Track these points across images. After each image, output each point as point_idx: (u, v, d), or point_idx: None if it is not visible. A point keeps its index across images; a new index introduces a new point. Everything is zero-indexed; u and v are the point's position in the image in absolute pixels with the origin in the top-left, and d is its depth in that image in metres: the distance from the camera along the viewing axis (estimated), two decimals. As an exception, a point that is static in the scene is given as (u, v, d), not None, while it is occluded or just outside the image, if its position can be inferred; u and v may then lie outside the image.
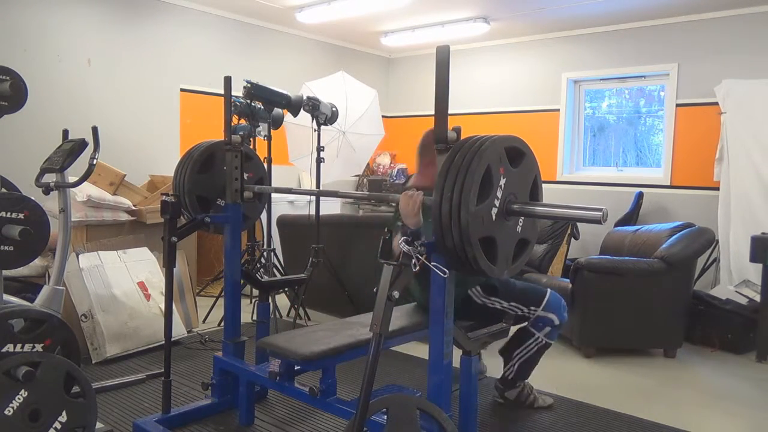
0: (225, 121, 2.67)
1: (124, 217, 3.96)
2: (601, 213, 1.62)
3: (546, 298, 2.73)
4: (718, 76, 4.95)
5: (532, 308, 2.70)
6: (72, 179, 2.77)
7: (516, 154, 1.83)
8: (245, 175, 2.72)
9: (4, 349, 2.03)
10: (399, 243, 1.71)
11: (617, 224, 5.16)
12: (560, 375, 3.44)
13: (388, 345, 2.74)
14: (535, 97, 6.36)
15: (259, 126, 4.04)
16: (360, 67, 6.99)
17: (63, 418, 2.01)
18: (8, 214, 2.26)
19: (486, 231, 1.70)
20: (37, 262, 3.47)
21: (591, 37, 5.94)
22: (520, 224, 1.83)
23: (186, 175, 2.71)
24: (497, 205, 1.74)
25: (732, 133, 4.73)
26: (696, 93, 5.30)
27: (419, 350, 3.26)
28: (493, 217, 1.73)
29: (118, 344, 3.36)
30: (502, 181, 1.75)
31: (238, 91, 3.50)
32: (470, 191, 1.65)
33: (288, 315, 4.34)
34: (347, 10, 5.33)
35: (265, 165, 4.05)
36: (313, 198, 4.15)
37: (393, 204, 6.82)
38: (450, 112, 1.78)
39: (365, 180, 7.24)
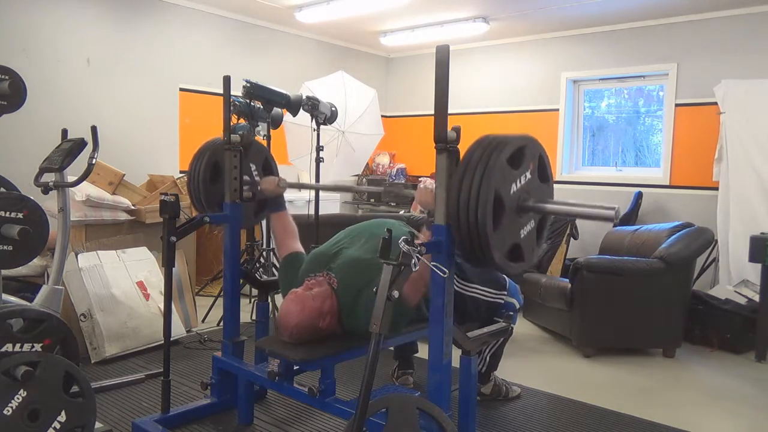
0: (224, 121, 2.67)
1: (123, 216, 3.96)
2: (613, 211, 1.63)
3: (508, 282, 2.80)
4: (718, 76, 4.95)
5: (502, 292, 2.74)
6: (71, 179, 2.77)
7: (544, 171, 1.87)
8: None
9: (3, 349, 2.02)
10: (401, 243, 1.71)
11: (616, 224, 5.16)
12: (559, 375, 3.44)
13: (388, 345, 2.75)
14: (534, 96, 6.36)
15: (258, 125, 4.03)
16: (359, 67, 6.99)
17: (62, 417, 2.01)
18: (7, 214, 2.25)
19: (501, 192, 1.69)
20: (36, 262, 3.47)
21: (590, 37, 5.94)
22: (524, 231, 1.81)
23: (200, 190, 2.73)
24: (517, 185, 1.75)
25: (731, 133, 4.73)
26: (695, 93, 5.31)
27: (419, 350, 3.26)
28: (511, 192, 1.73)
29: (117, 344, 3.36)
30: (528, 175, 1.78)
31: (237, 91, 3.50)
32: (504, 148, 1.69)
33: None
34: (346, 9, 5.32)
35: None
36: (313, 198, 4.15)
37: (392, 204, 6.80)
38: (449, 111, 1.78)
39: (364, 180, 7.24)
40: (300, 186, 2.76)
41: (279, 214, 2.74)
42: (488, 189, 1.65)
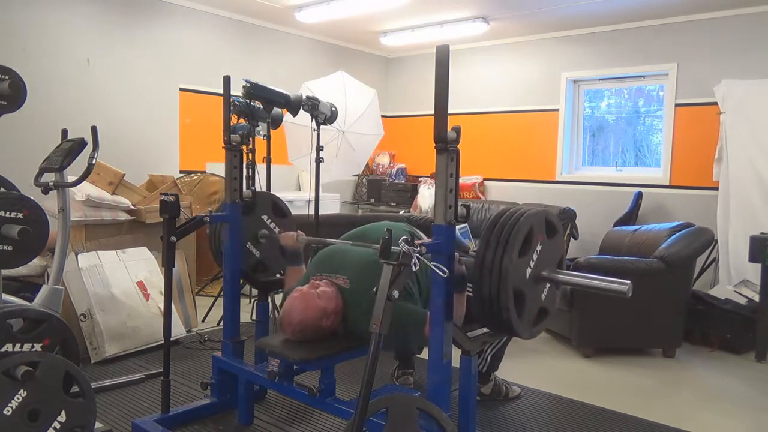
0: (224, 121, 2.67)
1: (123, 216, 3.96)
2: (627, 287, 1.72)
3: None
4: (718, 76, 4.95)
5: None
6: (71, 179, 2.77)
7: (551, 228, 1.93)
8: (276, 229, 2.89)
9: (3, 349, 2.02)
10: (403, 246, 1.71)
11: (616, 224, 5.16)
12: (559, 375, 3.44)
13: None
14: (534, 96, 6.36)
15: (258, 125, 4.03)
16: (359, 67, 6.99)
17: (62, 417, 2.01)
18: (7, 214, 2.26)
19: (519, 284, 1.79)
20: (36, 262, 3.47)
21: (590, 37, 5.94)
22: (545, 293, 1.92)
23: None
24: (531, 266, 1.84)
25: (731, 133, 4.73)
26: (695, 93, 5.31)
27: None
28: (527, 276, 1.82)
29: (117, 344, 3.36)
30: (539, 248, 1.86)
31: (237, 91, 3.49)
32: (514, 243, 1.76)
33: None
34: (346, 9, 5.32)
35: (265, 165, 4.08)
36: (313, 197, 4.15)
37: (392, 204, 6.77)
38: (449, 111, 1.78)
39: (364, 180, 7.24)
40: (318, 242, 2.76)
41: (296, 270, 2.73)
42: (507, 292, 1.74)
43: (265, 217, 2.86)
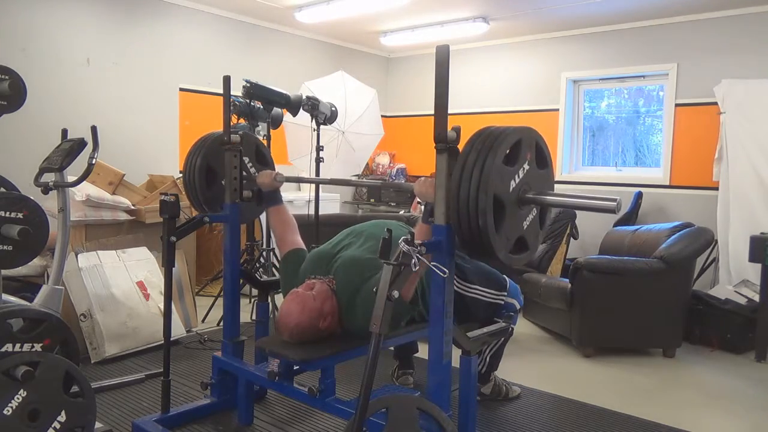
0: (224, 121, 2.67)
1: (123, 216, 3.96)
2: (615, 203, 1.62)
3: (508, 283, 2.79)
4: (718, 76, 4.95)
5: (503, 293, 2.73)
6: (71, 179, 2.77)
7: (542, 158, 1.85)
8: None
9: (3, 349, 2.02)
10: (400, 242, 1.71)
11: (616, 224, 5.16)
12: (559, 375, 3.44)
13: (388, 344, 2.75)
14: (534, 97, 6.36)
15: (258, 125, 4.04)
16: (359, 67, 6.99)
17: (62, 417, 2.01)
18: (7, 214, 2.26)
19: (501, 193, 1.69)
20: (36, 262, 3.47)
21: (590, 37, 5.94)
22: (527, 222, 1.82)
23: (198, 194, 2.72)
24: (516, 180, 1.74)
25: (731, 133, 4.73)
26: (695, 93, 5.31)
27: (419, 350, 3.26)
28: (510, 189, 1.73)
29: (117, 344, 3.36)
30: (526, 166, 1.77)
31: (237, 91, 3.50)
32: (500, 146, 1.68)
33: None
34: (346, 9, 5.32)
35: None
36: (313, 198, 4.15)
37: (392, 204, 6.76)
38: (449, 111, 1.78)
39: (364, 180, 7.24)
40: (297, 180, 2.74)
41: (277, 209, 2.74)
42: (486, 194, 1.64)
43: (246, 159, 2.79)
